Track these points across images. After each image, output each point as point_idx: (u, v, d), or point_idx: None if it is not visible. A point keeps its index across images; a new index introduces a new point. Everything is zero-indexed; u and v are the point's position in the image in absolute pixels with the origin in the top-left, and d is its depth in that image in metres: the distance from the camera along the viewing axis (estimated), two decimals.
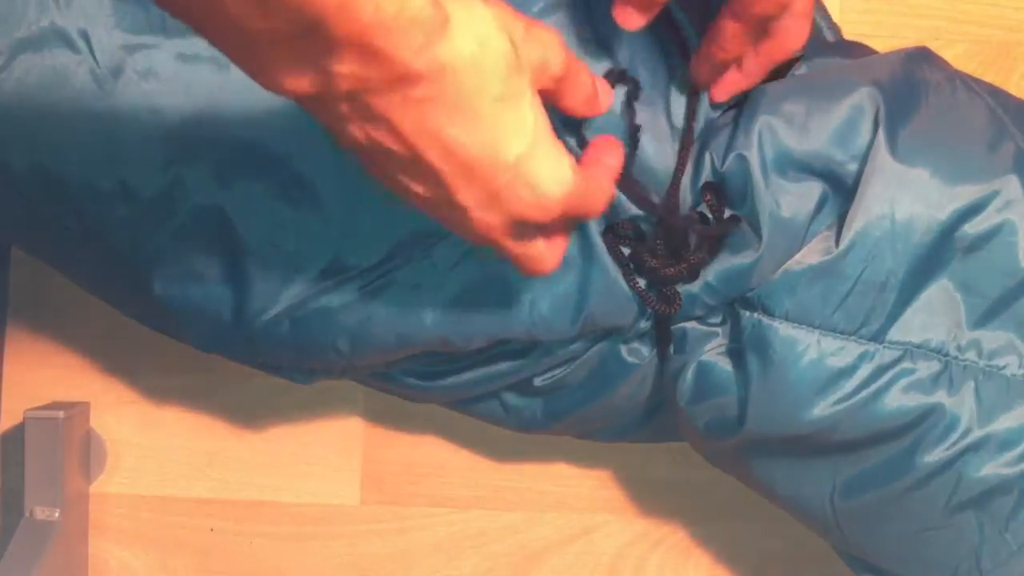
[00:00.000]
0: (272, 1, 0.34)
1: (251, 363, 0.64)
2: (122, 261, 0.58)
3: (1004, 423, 0.57)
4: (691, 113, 0.57)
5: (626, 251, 0.58)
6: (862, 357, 0.56)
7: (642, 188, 0.56)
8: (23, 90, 0.56)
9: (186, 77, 0.57)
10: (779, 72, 0.58)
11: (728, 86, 0.56)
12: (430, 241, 0.58)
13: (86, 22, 0.57)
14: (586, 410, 0.66)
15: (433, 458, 0.76)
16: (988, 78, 0.66)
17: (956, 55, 0.74)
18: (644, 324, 0.60)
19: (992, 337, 0.58)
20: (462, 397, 0.67)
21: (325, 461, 0.76)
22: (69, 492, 0.73)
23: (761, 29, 0.53)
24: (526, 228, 0.47)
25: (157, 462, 0.77)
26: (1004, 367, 0.58)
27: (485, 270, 0.58)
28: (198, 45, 0.58)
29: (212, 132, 0.57)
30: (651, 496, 0.76)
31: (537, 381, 0.64)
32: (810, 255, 0.57)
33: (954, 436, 0.57)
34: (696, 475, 0.74)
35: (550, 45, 0.45)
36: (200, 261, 0.58)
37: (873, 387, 0.56)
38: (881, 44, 0.64)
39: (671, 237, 0.57)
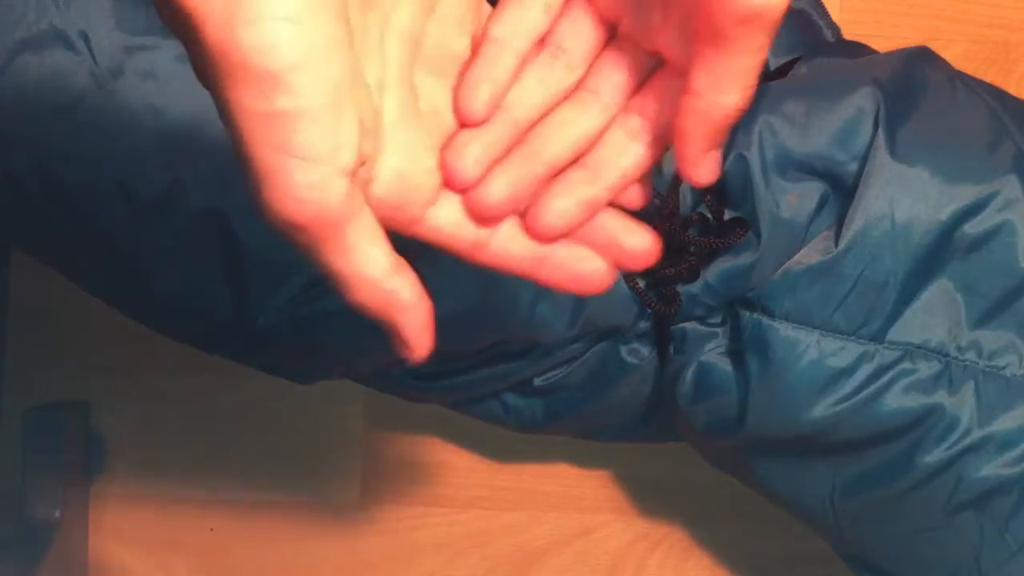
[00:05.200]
0: None
1: (251, 363, 0.64)
2: (122, 261, 0.58)
3: (1004, 423, 0.57)
4: None
5: None
6: (862, 357, 0.56)
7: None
8: (23, 90, 0.56)
9: (186, 78, 0.57)
10: (779, 72, 0.58)
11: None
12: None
13: (86, 23, 0.57)
14: (586, 410, 0.66)
15: (433, 458, 0.76)
16: (988, 78, 0.66)
17: (956, 55, 0.74)
18: (644, 324, 0.60)
19: (992, 337, 0.58)
20: (462, 397, 0.67)
21: (325, 461, 0.76)
22: (69, 492, 0.73)
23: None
24: None
25: (157, 462, 0.77)
26: (1004, 367, 0.58)
27: (484, 272, 0.58)
28: None
29: (212, 133, 0.57)
30: (651, 496, 0.76)
31: (537, 381, 0.64)
32: (810, 255, 0.57)
33: (954, 436, 0.57)
34: (696, 475, 0.74)
35: None
36: (200, 261, 0.58)
37: (873, 387, 0.56)
38: (881, 44, 0.64)
39: (671, 238, 0.57)
